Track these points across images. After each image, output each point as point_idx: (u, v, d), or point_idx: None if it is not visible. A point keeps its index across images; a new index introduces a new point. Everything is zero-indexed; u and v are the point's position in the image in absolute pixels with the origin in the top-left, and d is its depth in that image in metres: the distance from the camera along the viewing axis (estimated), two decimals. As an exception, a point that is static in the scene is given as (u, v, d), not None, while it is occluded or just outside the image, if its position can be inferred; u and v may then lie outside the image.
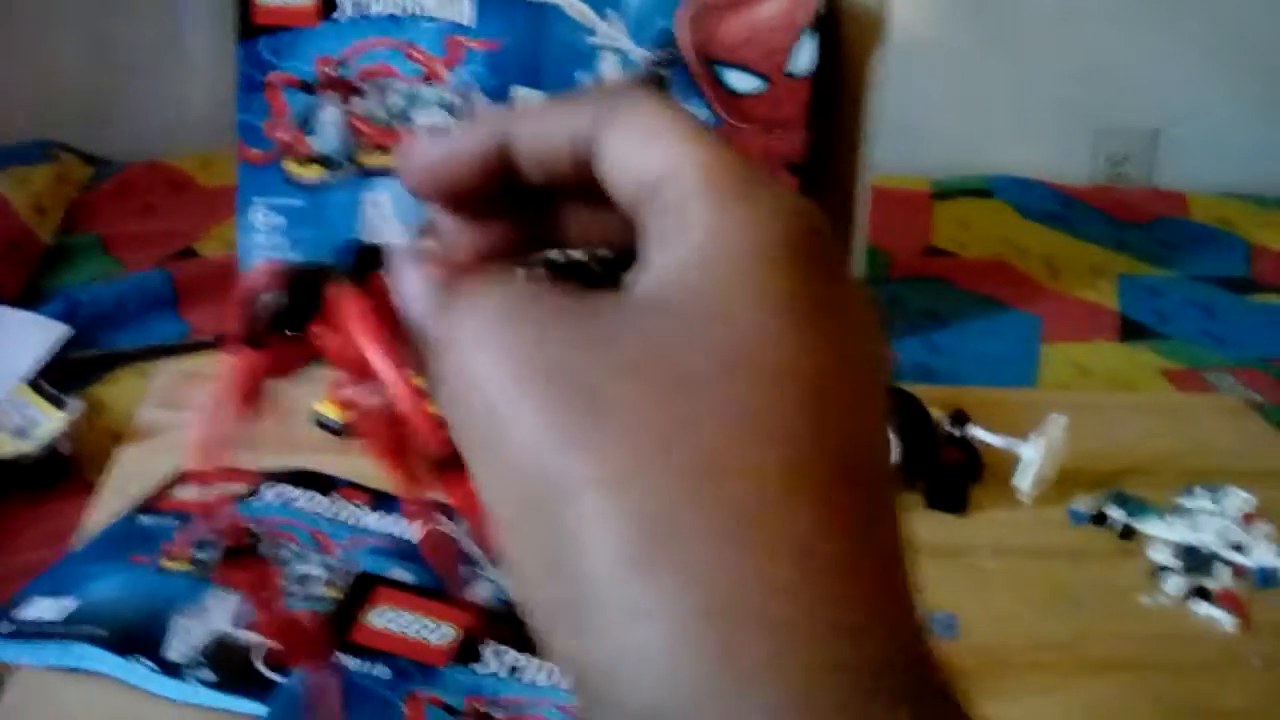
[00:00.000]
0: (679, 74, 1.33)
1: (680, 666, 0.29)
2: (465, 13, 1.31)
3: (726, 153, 0.34)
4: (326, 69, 1.31)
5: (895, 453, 1.15)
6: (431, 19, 1.31)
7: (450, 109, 1.31)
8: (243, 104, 1.33)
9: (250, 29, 1.32)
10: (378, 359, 0.36)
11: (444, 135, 0.38)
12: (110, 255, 1.61)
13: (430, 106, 1.31)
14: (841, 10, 1.38)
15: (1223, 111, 2.26)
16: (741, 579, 0.29)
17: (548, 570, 0.31)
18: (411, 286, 0.36)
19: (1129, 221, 1.94)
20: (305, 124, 1.32)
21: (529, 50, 1.32)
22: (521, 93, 1.32)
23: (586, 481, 0.30)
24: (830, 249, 0.34)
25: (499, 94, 1.32)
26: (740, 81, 1.33)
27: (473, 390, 0.32)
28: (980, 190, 1.99)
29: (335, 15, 1.31)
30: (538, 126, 0.36)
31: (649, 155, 0.34)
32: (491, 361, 0.32)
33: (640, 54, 1.33)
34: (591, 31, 1.32)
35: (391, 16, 1.31)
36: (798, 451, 0.31)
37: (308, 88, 1.31)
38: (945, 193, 1.96)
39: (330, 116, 1.32)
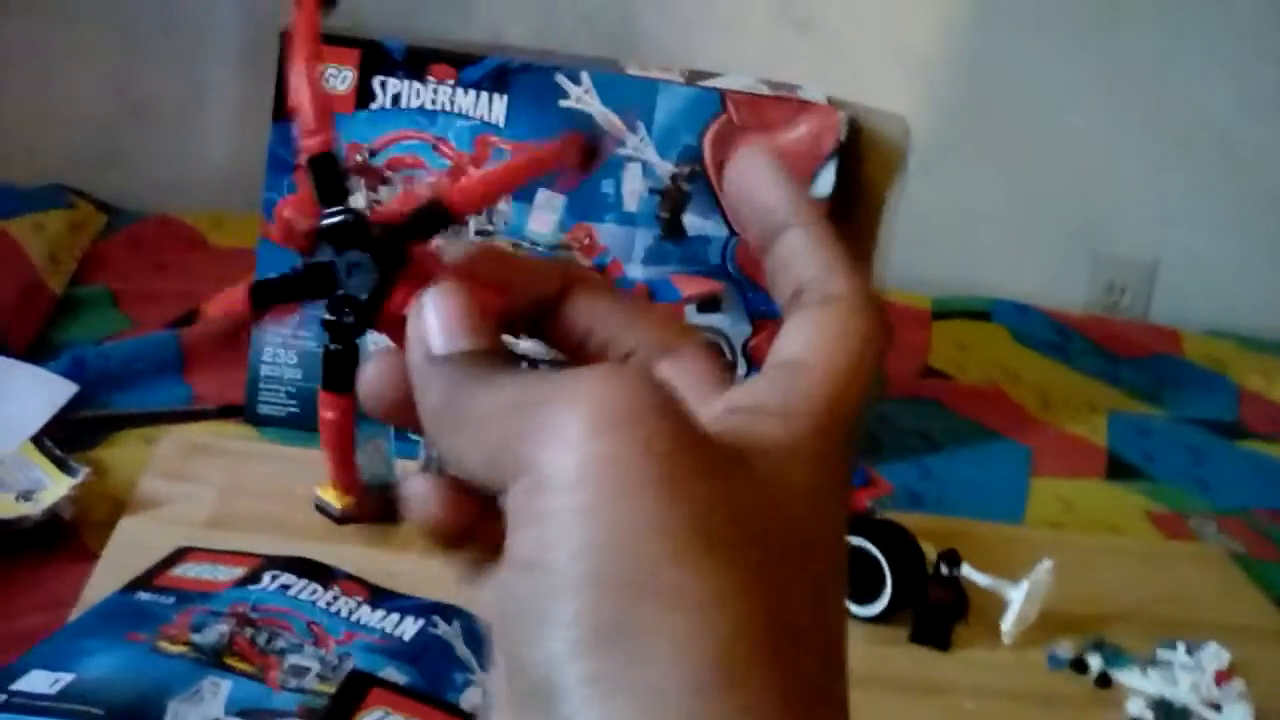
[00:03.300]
0: (701, 190, 1.36)
1: None
2: (497, 113, 1.34)
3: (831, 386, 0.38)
4: (356, 155, 1.33)
5: (888, 586, 1.17)
6: (464, 116, 1.34)
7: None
8: (270, 183, 1.35)
9: (285, 111, 1.33)
10: None
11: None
12: (119, 310, 1.63)
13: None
14: (864, 139, 1.40)
15: (1221, 249, 2.29)
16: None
17: (617, 651, 0.31)
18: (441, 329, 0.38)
19: (1123, 356, 1.97)
20: (330, 207, 1.33)
21: (556, 155, 1.34)
22: (544, 196, 1.35)
23: (691, 597, 0.31)
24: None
25: (524, 194, 1.34)
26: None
27: (584, 454, 0.33)
28: (979, 312, 2.01)
29: (371, 105, 1.33)
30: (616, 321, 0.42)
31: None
32: (622, 441, 0.33)
33: (665, 168, 1.35)
34: (620, 143, 1.35)
35: (425, 110, 1.34)
36: (833, 659, 0.35)
37: (335, 172, 1.33)
38: (945, 313, 1.99)
39: (356, 202, 1.33)
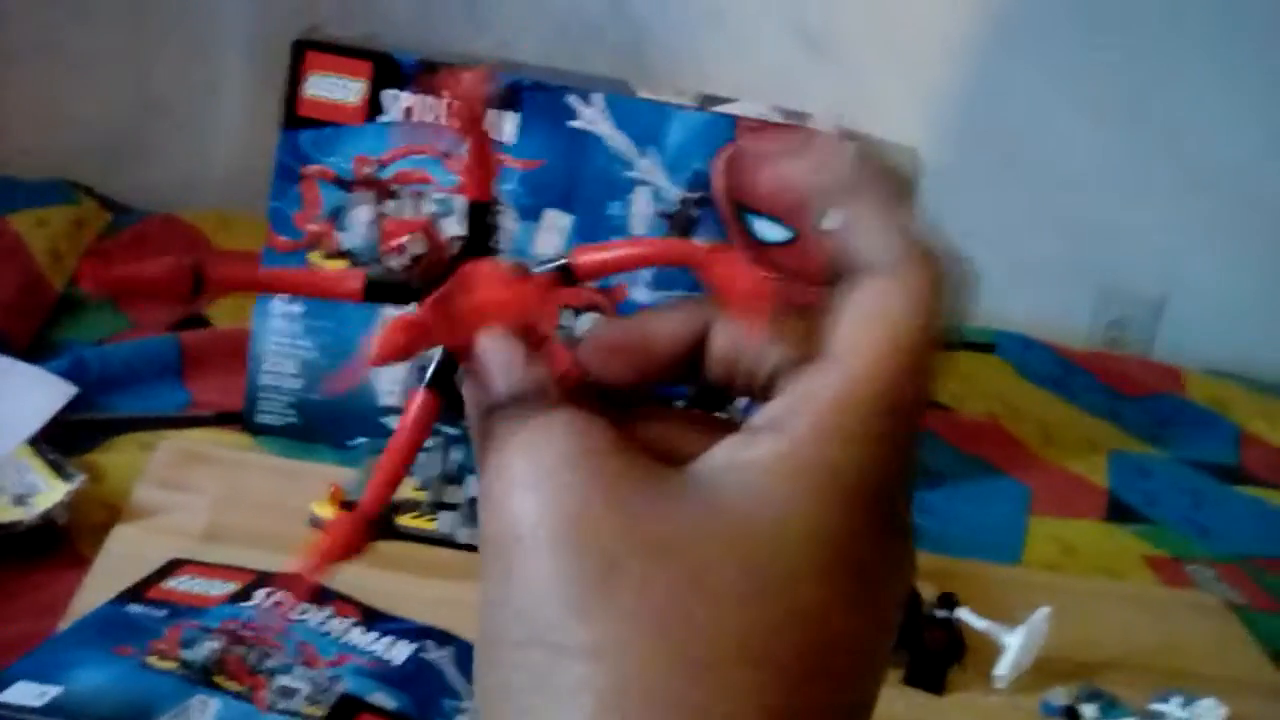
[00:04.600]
0: (709, 216, 1.35)
1: None
2: (507, 131, 1.33)
3: (870, 384, 0.35)
4: (365, 168, 1.32)
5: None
6: (474, 133, 1.33)
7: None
8: (277, 191, 1.34)
9: (294, 119, 1.33)
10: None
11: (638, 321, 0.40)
12: (119, 312, 1.62)
13: (461, 217, 1.32)
14: (875, 171, 1.39)
15: (1229, 287, 2.28)
16: None
17: (522, 709, 0.32)
18: (499, 371, 0.38)
19: (1125, 394, 1.96)
20: (336, 219, 1.33)
21: (566, 175, 1.34)
22: (553, 215, 1.34)
23: (581, 648, 0.32)
24: (898, 503, 0.36)
25: (531, 214, 1.34)
26: (769, 231, 1.35)
27: (506, 517, 0.34)
28: (983, 344, 2.00)
29: (380, 118, 1.32)
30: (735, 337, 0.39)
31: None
32: (533, 503, 0.34)
33: (674, 192, 1.34)
34: (629, 165, 1.34)
35: (434, 125, 1.33)
36: (785, 700, 0.32)
37: (343, 184, 1.33)
38: (949, 343, 1.97)
39: (362, 215, 1.33)
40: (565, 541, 0.33)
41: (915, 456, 0.36)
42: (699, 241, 0.41)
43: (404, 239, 0.40)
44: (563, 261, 0.41)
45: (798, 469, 0.34)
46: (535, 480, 0.34)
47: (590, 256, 0.41)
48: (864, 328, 0.35)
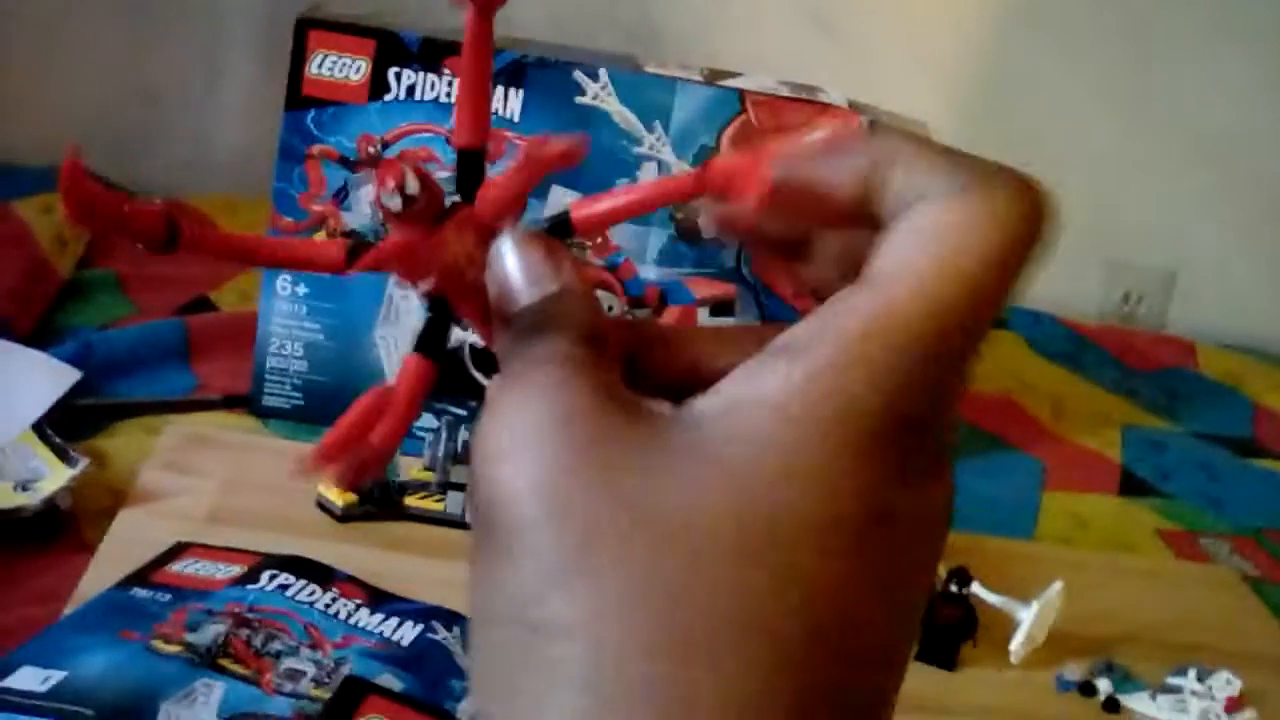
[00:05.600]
0: (716, 192, 1.34)
1: None
2: (512, 108, 1.32)
3: (908, 306, 0.31)
4: (369, 147, 1.31)
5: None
6: (478, 111, 1.32)
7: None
8: (281, 172, 1.33)
9: (298, 99, 1.32)
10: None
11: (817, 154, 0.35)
12: (125, 296, 1.61)
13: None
14: (883, 144, 1.38)
15: (1240, 259, 2.27)
16: None
17: (505, 691, 0.30)
18: (513, 276, 0.36)
19: (1138, 369, 1.94)
20: (341, 199, 1.32)
21: (571, 152, 1.32)
22: (559, 192, 1.33)
23: (557, 625, 0.29)
24: (926, 443, 0.31)
25: (537, 191, 1.32)
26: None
27: (487, 486, 0.31)
28: (995, 320, 1.98)
29: (385, 97, 1.31)
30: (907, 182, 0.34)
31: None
32: (510, 471, 0.31)
33: (681, 168, 1.33)
34: (636, 141, 1.33)
35: (438, 103, 1.32)
36: (788, 678, 0.29)
37: (347, 164, 1.32)
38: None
39: (367, 194, 1.32)
40: (544, 510, 0.30)
41: (956, 396, 0.32)
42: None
43: (400, 178, 0.37)
44: (561, 215, 0.39)
45: (810, 406, 0.30)
46: (514, 446, 0.31)
47: (588, 209, 0.39)
48: (914, 247, 0.31)
